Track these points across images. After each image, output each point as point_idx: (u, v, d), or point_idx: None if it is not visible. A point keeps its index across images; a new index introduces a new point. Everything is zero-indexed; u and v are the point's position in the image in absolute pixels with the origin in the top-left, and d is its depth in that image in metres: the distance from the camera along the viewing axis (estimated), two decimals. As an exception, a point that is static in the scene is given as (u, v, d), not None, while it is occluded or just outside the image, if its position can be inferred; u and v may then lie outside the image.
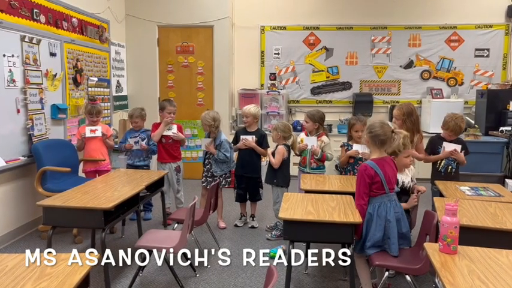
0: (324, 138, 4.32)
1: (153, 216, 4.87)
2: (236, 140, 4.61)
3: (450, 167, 3.95)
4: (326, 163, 4.45)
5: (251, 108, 4.53)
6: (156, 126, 4.74)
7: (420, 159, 4.06)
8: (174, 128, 4.67)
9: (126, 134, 4.81)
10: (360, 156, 3.98)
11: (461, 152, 3.88)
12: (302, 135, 4.42)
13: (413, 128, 3.95)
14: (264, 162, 4.54)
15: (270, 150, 4.46)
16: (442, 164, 3.97)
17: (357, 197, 2.89)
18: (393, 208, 2.82)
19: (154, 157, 4.91)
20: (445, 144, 3.92)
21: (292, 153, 4.44)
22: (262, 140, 4.50)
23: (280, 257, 3.25)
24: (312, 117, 4.33)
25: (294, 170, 4.59)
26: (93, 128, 4.52)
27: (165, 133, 4.66)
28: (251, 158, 4.49)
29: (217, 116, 4.49)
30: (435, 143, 4.03)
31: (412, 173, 3.46)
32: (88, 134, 4.49)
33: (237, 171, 4.63)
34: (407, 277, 2.74)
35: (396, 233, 2.77)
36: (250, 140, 4.44)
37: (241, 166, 4.57)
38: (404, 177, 3.36)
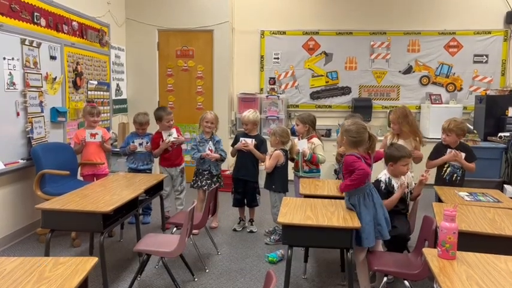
0: (315, 140, 4.31)
1: (152, 220, 4.87)
2: (236, 142, 4.61)
3: (455, 175, 3.90)
4: (324, 168, 4.45)
5: (249, 115, 4.51)
6: (156, 135, 4.73)
7: (421, 158, 4.04)
8: (174, 132, 4.66)
9: (128, 139, 4.75)
10: None
11: (465, 159, 3.84)
12: (295, 139, 4.44)
13: (410, 129, 3.98)
14: (262, 166, 4.55)
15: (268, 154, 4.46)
16: (447, 171, 3.94)
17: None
18: (376, 194, 2.98)
19: (156, 161, 4.90)
20: (449, 150, 3.91)
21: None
22: (260, 145, 4.50)
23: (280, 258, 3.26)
24: (302, 119, 4.38)
25: (292, 175, 4.59)
26: (93, 131, 4.51)
27: (169, 139, 4.63)
28: (248, 161, 4.48)
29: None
30: (440, 149, 4.00)
31: (409, 179, 3.46)
32: (88, 139, 4.48)
33: (234, 174, 4.65)
34: (406, 282, 2.74)
35: (383, 218, 2.93)
36: (249, 142, 4.45)
37: (238, 169, 4.58)
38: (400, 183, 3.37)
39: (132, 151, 4.60)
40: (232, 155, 4.64)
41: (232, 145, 4.65)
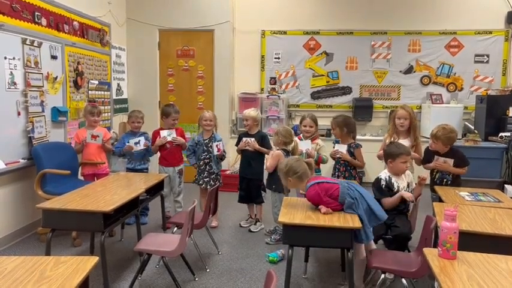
0: (320, 141, 4.39)
1: (149, 220, 4.85)
2: (239, 142, 4.65)
3: (445, 179, 3.89)
4: (326, 167, 4.47)
5: (251, 111, 4.65)
6: (156, 134, 4.73)
7: (419, 161, 4.05)
8: (173, 132, 4.66)
9: (123, 138, 4.74)
10: (339, 156, 4.04)
11: (455, 164, 3.79)
12: (297, 139, 4.45)
13: (415, 128, 4.01)
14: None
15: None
16: (436, 176, 3.94)
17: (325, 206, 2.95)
18: (353, 183, 3.06)
19: (154, 161, 4.89)
20: (436, 157, 3.87)
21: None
22: (262, 141, 4.55)
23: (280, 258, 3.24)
24: (315, 120, 4.40)
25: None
26: (94, 133, 4.49)
27: (164, 135, 4.64)
28: (252, 160, 4.55)
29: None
30: (428, 155, 3.97)
31: (409, 178, 3.47)
32: (89, 140, 4.47)
33: (239, 172, 4.74)
34: (403, 280, 2.74)
35: (373, 199, 2.98)
36: (250, 141, 4.49)
37: (243, 168, 4.66)
38: (400, 182, 3.38)
39: (129, 151, 4.58)
40: (238, 153, 4.75)
41: (237, 145, 4.70)
